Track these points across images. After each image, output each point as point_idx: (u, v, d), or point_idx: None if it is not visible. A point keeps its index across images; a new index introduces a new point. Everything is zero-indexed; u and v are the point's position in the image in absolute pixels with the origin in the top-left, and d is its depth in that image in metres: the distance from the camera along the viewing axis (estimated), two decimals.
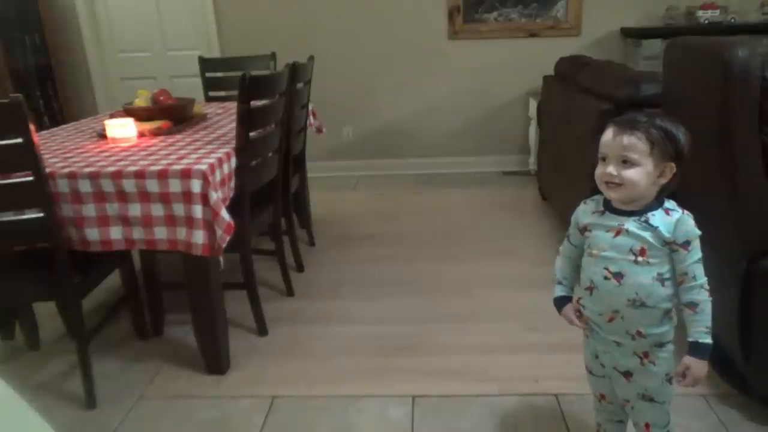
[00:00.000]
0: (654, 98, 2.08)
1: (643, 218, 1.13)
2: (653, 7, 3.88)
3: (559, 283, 1.32)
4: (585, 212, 1.24)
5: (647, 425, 1.25)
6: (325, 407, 1.76)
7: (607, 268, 1.16)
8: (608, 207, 1.19)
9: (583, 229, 1.23)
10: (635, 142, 1.10)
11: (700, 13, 3.71)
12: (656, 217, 1.13)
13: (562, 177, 2.81)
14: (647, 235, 1.12)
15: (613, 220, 1.17)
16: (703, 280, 1.13)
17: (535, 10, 3.96)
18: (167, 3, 4.14)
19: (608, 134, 1.14)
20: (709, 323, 1.13)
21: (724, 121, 1.50)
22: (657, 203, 1.15)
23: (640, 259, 1.13)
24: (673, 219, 1.12)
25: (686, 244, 1.11)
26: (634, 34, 3.78)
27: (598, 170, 1.16)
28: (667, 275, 1.14)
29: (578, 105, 2.60)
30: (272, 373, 1.95)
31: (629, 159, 1.11)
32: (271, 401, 1.80)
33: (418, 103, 4.20)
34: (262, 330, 2.17)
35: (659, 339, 1.18)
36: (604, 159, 1.15)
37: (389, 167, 4.31)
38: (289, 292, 2.47)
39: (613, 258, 1.16)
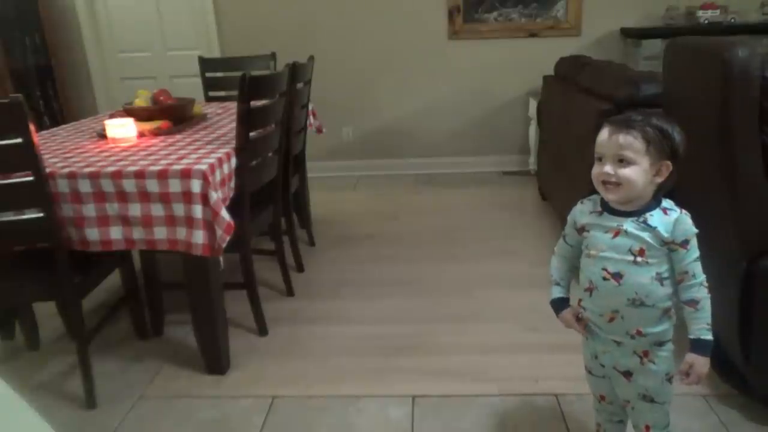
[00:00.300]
0: (654, 98, 2.08)
1: (641, 219, 1.13)
2: (653, 7, 3.88)
3: (557, 284, 1.31)
4: (582, 212, 1.24)
5: (647, 427, 1.25)
6: (325, 407, 1.76)
7: (605, 269, 1.16)
8: (606, 207, 1.19)
9: (581, 229, 1.23)
10: (631, 141, 1.10)
11: (700, 13, 3.71)
12: (655, 218, 1.13)
13: (562, 177, 2.81)
14: (646, 235, 1.12)
15: (612, 221, 1.17)
16: (702, 277, 1.13)
17: (535, 10, 3.96)
18: (167, 3, 4.14)
19: (604, 134, 1.14)
20: (710, 320, 1.13)
21: (724, 121, 1.50)
22: (655, 203, 1.15)
23: (639, 259, 1.13)
24: (671, 219, 1.12)
25: (685, 243, 1.12)
26: (634, 34, 3.78)
27: (595, 170, 1.16)
28: (666, 274, 1.14)
29: (578, 105, 2.60)
30: (272, 373, 1.95)
31: (625, 157, 1.11)
32: (271, 401, 1.80)
33: (418, 103, 4.20)
34: (262, 330, 2.17)
35: (659, 338, 1.18)
36: (600, 159, 1.15)
37: (389, 167, 4.31)
38: (289, 292, 2.47)
39: (611, 258, 1.16)
